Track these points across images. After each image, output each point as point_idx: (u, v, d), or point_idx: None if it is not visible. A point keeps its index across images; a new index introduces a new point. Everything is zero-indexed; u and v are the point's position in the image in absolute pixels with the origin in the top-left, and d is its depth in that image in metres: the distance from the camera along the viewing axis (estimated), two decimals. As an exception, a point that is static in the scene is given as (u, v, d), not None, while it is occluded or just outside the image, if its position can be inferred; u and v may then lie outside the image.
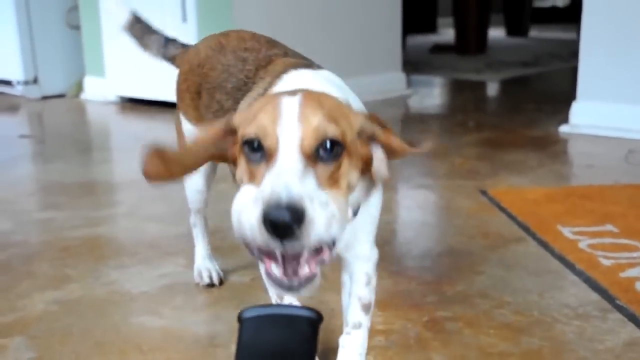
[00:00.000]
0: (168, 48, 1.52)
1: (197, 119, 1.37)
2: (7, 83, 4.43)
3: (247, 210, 0.75)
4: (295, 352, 0.71)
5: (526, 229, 1.86)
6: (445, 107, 4.15)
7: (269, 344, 0.72)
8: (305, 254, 0.78)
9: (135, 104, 4.07)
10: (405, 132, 3.45)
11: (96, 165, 2.84)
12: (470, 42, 6.38)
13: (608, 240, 1.76)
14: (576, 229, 1.83)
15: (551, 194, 2.15)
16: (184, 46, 1.50)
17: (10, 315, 1.43)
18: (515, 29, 7.96)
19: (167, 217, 2.02)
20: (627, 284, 1.49)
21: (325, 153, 0.80)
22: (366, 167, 0.89)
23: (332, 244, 0.78)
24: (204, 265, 1.58)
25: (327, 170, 0.80)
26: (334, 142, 0.81)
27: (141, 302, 1.49)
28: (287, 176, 0.75)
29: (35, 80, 4.35)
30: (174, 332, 1.35)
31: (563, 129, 3.10)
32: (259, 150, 0.81)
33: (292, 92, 0.85)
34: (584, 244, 1.73)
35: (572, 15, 2.95)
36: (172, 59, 1.50)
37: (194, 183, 1.48)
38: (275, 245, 0.74)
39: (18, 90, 4.36)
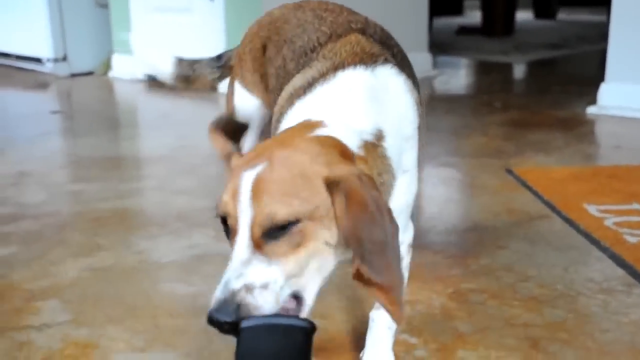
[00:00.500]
0: (220, 58, 1.50)
1: (255, 84, 1.33)
2: (37, 60, 4.49)
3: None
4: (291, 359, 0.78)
5: (551, 206, 1.86)
6: (472, 88, 4.13)
7: (266, 352, 0.78)
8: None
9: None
10: (431, 112, 3.45)
11: (124, 140, 2.88)
12: (498, 24, 6.33)
13: (634, 218, 1.76)
14: (602, 207, 1.83)
15: (577, 173, 2.15)
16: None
17: (45, 280, 1.47)
18: (544, 11, 7.88)
19: (195, 191, 2.05)
20: (653, 261, 1.49)
21: (277, 232, 0.81)
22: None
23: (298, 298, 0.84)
24: None
25: (281, 246, 0.81)
26: (285, 223, 0.81)
27: (170, 271, 1.53)
28: (235, 266, 0.81)
29: (64, 58, 4.40)
30: (203, 298, 1.39)
31: (591, 110, 3.07)
32: (227, 226, 0.86)
33: (257, 159, 0.84)
34: (609, 221, 1.73)
35: (601, -2, 2.94)
36: (227, 61, 1.48)
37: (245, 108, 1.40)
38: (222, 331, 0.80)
39: (48, 67, 4.42)
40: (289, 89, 1.07)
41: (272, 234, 0.81)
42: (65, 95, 3.95)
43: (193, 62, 1.51)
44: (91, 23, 4.50)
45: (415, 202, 1.95)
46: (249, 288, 0.80)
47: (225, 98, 1.43)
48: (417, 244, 1.63)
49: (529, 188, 2.02)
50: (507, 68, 4.71)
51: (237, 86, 1.37)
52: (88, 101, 3.77)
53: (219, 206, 0.86)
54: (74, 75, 4.36)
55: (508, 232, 1.71)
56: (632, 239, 1.61)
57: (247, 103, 1.35)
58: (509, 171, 2.19)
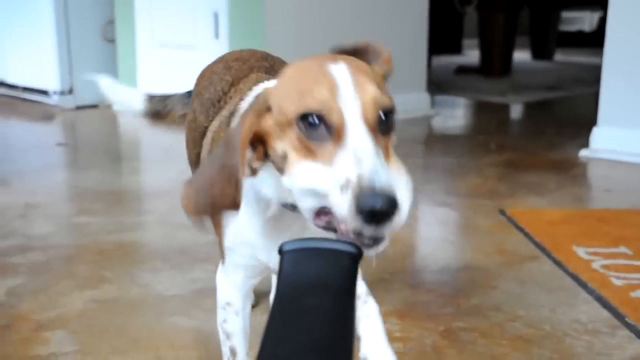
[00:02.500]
0: (192, 93, 1.47)
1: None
2: (44, 93, 4.58)
3: (333, 194, 0.74)
4: (335, 286, 0.71)
5: (542, 248, 1.92)
6: (468, 128, 4.22)
7: (309, 276, 0.72)
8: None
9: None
10: (428, 151, 3.53)
11: (128, 174, 2.95)
12: (495, 65, 6.45)
13: (621, 261, 1.82)
14: (591, 250, 1.89)
15: (568, 216, 2.22)
16: None
17: (52, 312, 1.53)
18: (541, 52, 8.02)
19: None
20: (638, 303, 1.55)
21: (383, 125, 0.79)
22: None
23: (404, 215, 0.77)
24: None
25: (385, 143, 0.79)
26: (388, 112, 0.80)
27: (173, 304, 1.59)
28: (370, 159, 0.73)
29: (70, 91, 4.49)
30: (204, 332, 1.44)
31: (583, 153, 3.16)
32: (319, 126, 0.77)
33: (331, 58, 0.82)
34: (597, 264, 1.79)
35: (598, 40, 3.03)
36: None
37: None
38: (368, 231, 0.73)
39: (54, 99, 4.51)
40: (209, 134, 1.11)
41: (379, 127, 0.78)
42: (70, 128, 4.03)
43: (165, 98, 1.53)
44: (98, 57, 4.60)
45: (411, 241, 2.02)
46: (395, 182, 0.74)
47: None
48: (412, 283, 1.70)
49: (521, 229, 2.08)
50: (504, 109, 4.81)
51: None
52: (93, 134, 3.85)
53: (311, 104, 0.78)
54: (79, 108, 4.45)
55: (499, 273, 1.77)
56: (618, 282, 1.67)
57: None
58: (502, 212, 2.26)
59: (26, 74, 4.72)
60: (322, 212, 0.77)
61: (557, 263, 1.82)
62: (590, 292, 1.63)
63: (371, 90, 0.79)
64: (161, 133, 3.80)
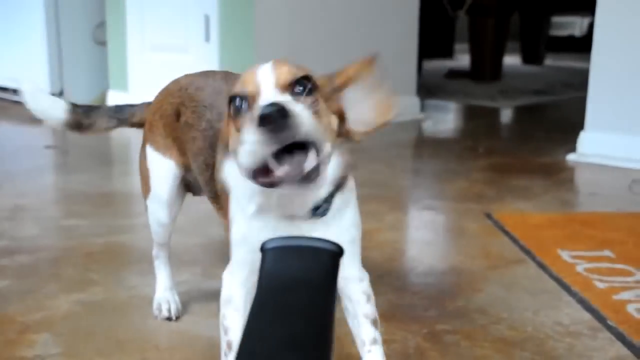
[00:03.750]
0: (122, 110, 1.50)
1: (167, 146, 1.37)
2: (34, 95, 4.57)
3: (245, 144, 0.87)
4: (316, 284, 0.73)
5: (527, 251, 1.94)
6: (457, 132, 4.25)
7: (291, 274, 0.74)
8: (304, 155, 0.87)
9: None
10: (417, 155, 3.55)
11: (117, 177, 2.96)
12: (485, 69, 6.48)
13: (605, 264, 1.84)
14: (575, 253, 1.91)
15: (553, 220, 2.24)
16: (145, 103, 1.49)
17: (38, 314, 1.53)
18: (531, 57, 8.07)
19: (185, 228, 2.12)
20: (619, 306, 1.57)
21: (299, 90, 0.93)
22: (340, 121, 0.99)
23: (319, 147, 0.88)
24: (164, 297, 1.54)
25: (305, 103, 0.91)
26: (304, 79, 0.93)
27: (160, 306, 1.59)
28: (268, 99, 0.88)
29: (61, 93, 4.49)
30: (190, 334, 1.45)
31: (570, 157, 3.18)
32: (241, 102, 0.93)
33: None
34: (581, 267, 1.81)
35: (588, 45, 3.06)
36: (130, 117, 1.49)
37: (157, 217, 1.45)
38: (270, 141, 0.84)
39: (44, 102, 4.50)
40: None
41: (294, 91, 0.92)
42: (60, 130, 4.02)
43: (89, 109, 1.50)
44: (88, 59, 4.61)
45: (397, 245, 2.04)
46: (292, 103, 0.87)
47: (138, 163, 1.46)
48: (397, 285, 1.72)
49: (507, 233, 2.10)
50: (493, 113, 4.84)
51: (149, 150, 1.41)
52: (82, 137, 3.84)
53: (233, 88, 0.95)
54: (69, 110, 4.44)
55: (484, 276, 1.79)
56: (601, 285, 1.69)
57: (160, 165, 1.39)
58: (489, 216, 2.27)
59: (17, 76, 4.71)
60: (259, 170, 0.88)
61: (542, 266, 1.83)
62: (573, 295, 1.65)
63: (285, 67, 0.94)
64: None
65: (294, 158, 0.86)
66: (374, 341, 1.10)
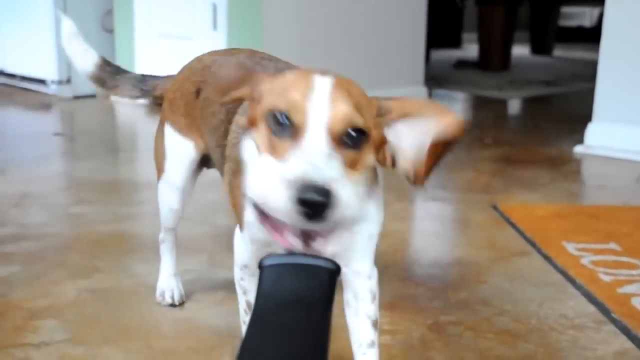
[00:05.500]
0: (146, 81, 1.48)
1: (188, 126, 1.34)
2: (42, 82, 4.58)
3: (275, 188, 0.78)
4: (313, 301, 0.74)
5: (532, 243, 1.94)
6: (465, 123, 4.23)
7: (288, 292, 0.75)
8: (324, 235, 0.82)
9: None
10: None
11: (124, 164, 2.97)
12: (494, 59, 6.46)
13: (610, 257, 1.84)
14: (580, 246, 1.91)
15: (559, 211, 2.23)
16: (169, 76, 1.46)
17: (45, 300, 1.54)
18: (540, 47, 8.02)
19: (192, 217, 2.13)
20: (624, 299, 1.57)
21: (350, 140, 0.84)
22: (378, 150, 0.92)
23: (350, 222, 0.83)
24: (168, 284, 1.54)
25: (349, 156, 0.84)
26: (359, 131, 0.85)
27: (165, 294, 1.60)
28: (317, 158, 0.79)
29: (68, 80, 4.50)
30: (195, 322, 1.46)
31: (578, 149, 3.17)
32: (284, 124, 0.84)
33: (323, 72, 0.88)
34: (586, 260, 1.81)
35: (598, 36, 3.05)
36: (153, 89, 1.47)
37: (168, 201, 1.44)
38: (303, 225, 0.77)
39: (52, 89, 4.52)
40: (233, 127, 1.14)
41: (344, 141, 0.84)
42: (67, 117, 4.04)
43: (116, 72, 1.50)
44: (96, 47, 4.55)
45: (403, 235, 2.04)
46: (337, 181, 0.79)
47: (154, 140, 1.44)
48: (402, 276, 1.72)
49: (512, 225, 2.10)
50: (501, 104, 4.82)
51: (169, 129, 1.39)
52: (90, 124, 3.86)
53: (280, 102, 0.84)
54: (76, 98, 4.45)
55: (489, 267, 1.79)
56: (606, 278, 1.69)
57: (179, 146, 1.37)
58: (495, 207, 2.27)
59: (24, 63, 4.73)
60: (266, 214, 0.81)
61: (547, 258, 1.83)
62: (578, 287, 1.65)
63: (344, 105, 0.84)
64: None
65: (310, 235, 0.81)
66: (372, 344, 1.08)
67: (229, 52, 1.33)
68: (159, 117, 1.44)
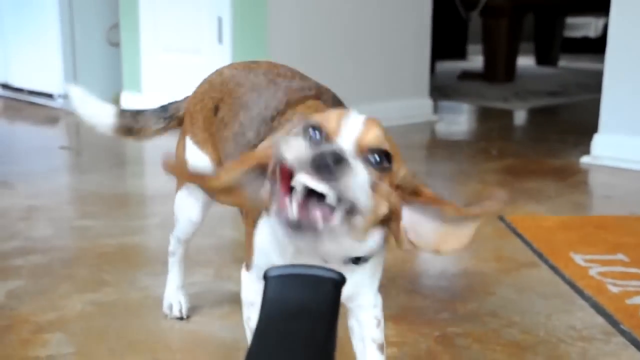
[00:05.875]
0: (167, 109, 1.48)
1: (205, 140, 1.34)
2: (49, 96, 4.61)
3: (300, 143, 0.83)
4: (318, 312, 0.74)
5: (539, 254, 1.93)
6: (470, 134, 4.23)
7: (293, 302, 0.75)
8: (326, 208, 0.82)
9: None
10: (430, 157, 3.54)
11: (130, 178, 2.97)
12: (499, 70, 6.46)
13: (618, 268, 1.83)
14: (588, 257, 1.90)
15: (567, 223, 2.22)
16: (188, 96, 1.45)
17: (52, 314, 1.54)
18: (545, 58, 8.02)
19: (199, 229, 2.13)
20: (633, 310, 1.56)
21: (374, 160, 0.86)
22: (389, 218, 0.91)
23: (356, 208, 0.83)
24: (175, 297, 1.54)
25: (370, 174, 0.85)
26: (386, 155, 0.87)
27: (172, 307, 1.60)
28: (343, 147, 0.84)
29: (75, 94, 4.52)
30: (201, 335, 1.46)
31: (584, 159, 3.16)
32: (318, 134, 0.87)
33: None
34: (594, 271, 1.80)
35: (603, 46, 3.05)
36: (176, 111, 1.46)
37: (188, 212, 1.44)
38: (313, 174, 0.80)
39: (58, 102, 4.54)
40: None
41: (368, 157, 0.86)
42: (74, 131, 4.06)
43: (137, 113, 1.49)
44: (102, 60, 4.63)
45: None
46: (355, 166, 0.82)
47: (175, 152, 1.43)
48: (409, 288, 1.71)
49: (520, 236, 2.09)
50: (507, 115, 4.81)
51: (189, 142, 1.38)
52: (96, 137, 3.84)
53: (316, 120, 0.89)
54: (83, 111, 4.46)
55: (496, 279, 1.78)
56: (614, 289, 1.68)
57: (198, 158, 1.36)
58: (501, 218, 2.27)
59: (31, 77, 4.76)
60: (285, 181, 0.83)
61: (554, 270, 1.83)
62: (587, 299, 1.64)
63: (375, 128, 0.88)
64: (165, 137, 3.82)
65: (318, 205, 0.82)
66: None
67: (248, 66, 1.32)
68: (181, 130, 1.43)
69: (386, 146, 0.88)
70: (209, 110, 1.31)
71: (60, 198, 2.54)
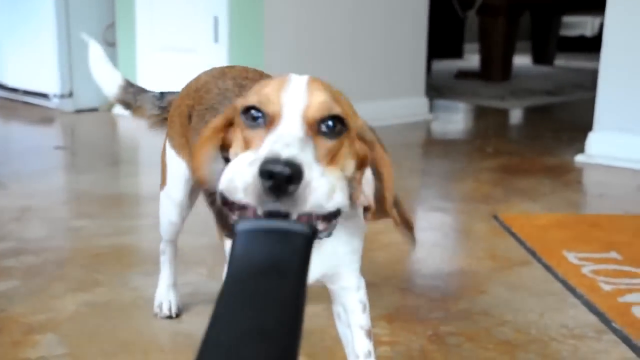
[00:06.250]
0: (164, 97, 1.50)
1: (182, 146, 1.35)
2: (44, 96, 4.60)
3: (242, 170, 0.75)
4: (288, 267, 0.69)
5: (533, 253, 1.93)
6: (466, 133, 4.23)
7: (262, 258, 0.70)
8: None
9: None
10: (425, 155, 3.54)
11: (125, 178, 2.97)
12: (495, 69, 6.46)
13: (611, 266, 1.83)
14: (581, 255, 1.90)
15: (560, 221, 2.23)
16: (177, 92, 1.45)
17: (44, 314, 1.54)
18: (542, 57, 8.02)
19: (191, 229, 2.12)
20: (624, 308, 1.56)
21: (327, 129, 0.82)
22: (361, 166, 0.89)
23: (332, 216, 0.78)
24: (166, 296, 1.55)
25: (327, 146, 0.81)
26: (337, 120, 0.82)
27: (164, 307, 1.60)
28: (288, 138, 0.76)
29: (70, 94, 4.51)
30: (194, 335, 1.46)
31: (579, 158, 3.16)
32: (258, 118, 0.82)
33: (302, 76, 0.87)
34: (587, 269, 1.80)
35: (599, 45, 3.05)
36: (168, 105, 1.48)
37: (167, 214, 1.45)
38: (270, 202, 0.73)
39: (54, 103, 4.53)
40: None
41: (321, 129, 0.81)
42: (69, 131, 4.05)
43: (138, 92, 1.53)
44: (98, 61, 4.61)
45: (403, 246, 2.03)
46: (309, 165, 0.74)
47: (161, 151, 1.45)
48: (402, 287, 1.71)
49: (513, 234, 2.09)
50: (503, 113, 4.82)
51: (168, 146, 1.40)
52: (91, 137, 3.87)
53: (254, 98, 0.83)
54: (78, 111, 4.47)
55: (489, 277, 1.78)
56: (606, 287, 1.68)
57: (175, 163, 1.38)
58: (495, 217, 2.27)
59: (26, 77, 4.74)
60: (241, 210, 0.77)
61: (547, 268, 1.83)
62: (579, 297, 1.64)
63: (320, 94, 0.82)
64: (160, 137, 3.81)
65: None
66: (369, 354, 1.07)
67: (222, 71, 1.32)
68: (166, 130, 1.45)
69: (335, 110, 0.82)
70: (184, 117, 1.33)
71: (54, 198, 2.53)
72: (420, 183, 2.90)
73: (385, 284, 1.72)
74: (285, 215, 0.75)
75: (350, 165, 0.86)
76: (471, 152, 3.48)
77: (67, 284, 1.72)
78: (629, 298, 1.62)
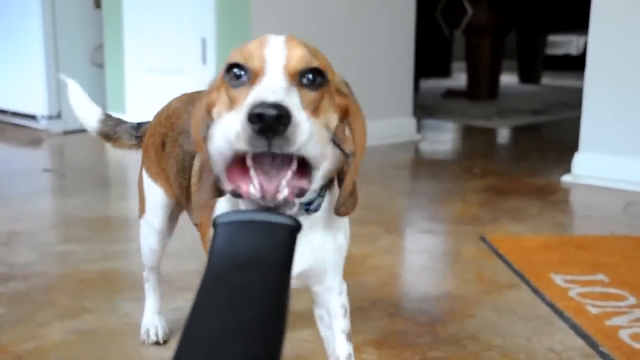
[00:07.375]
0: (140, 127, 1.53)
1: (158, 174, 1.38)
2: (32, 117, 4.60)
3: (231, 122, 0.75)
4: (270, 262, 0.67)
5: (520, 275, 1.94)
6: (454, 153, 4.26)
7: (244, 251, 0.67)
8: (289, 174, 0.76)
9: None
10: (413, 176, 3.56)
11: (114, 200, 2.97)
12: (482, 88, 6.51)
13: (598, 289, 1.84)
14: (568, 277, 1.92)
15: (547, 243, 2.24)
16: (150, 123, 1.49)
17: (31, 343, 1.53)
18: (528, 76, 8.10)
19: (180, 253, 2.13)
20: (612, 332, 1.57)
21: (308, 81, 0.85)
22: (343, 118, 0.93)
23: (315, 162, 0.77)
24: (152, 322, 1.56)
25: (309, 97, 0.84)
26: (317, 72, 0.86)
27: (153, 334, 1.59)
28: (273, 87, 0.78)
29: (58, 115, 4.51)
30: (182, 363, 1.45)
31: (565, 178, 3.19)
32: (242, 76, 0.84)
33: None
34: (574, 292, 1.81)
35: (585, 64, 3.09)
36: (143, 133, 1.50)
37: (148, 241, 1.47)
38: (261, 144, 0.73)
39: (42, 124, 4.53)
40: (196, 164, 1.16)
41: (302, 81, 0.84)
42: (57, 153, 4.05)
43: (116, 124, 1.56)
44: (86, 82, 4.61)
45: (391, 269, 2.04)
46: (296, 107, 0.76)
47: (138, 180, 1.47)
48: (390, 312, 1.72)
49: (501, 257, 2.10)
50: (490, 133, 4.85)
51: (144, 174, 1.42)
52: (80, 159, 3.87)
53: (236, 56, 0.86)
54: (67, 133, 4.46)
55: (477, 301, 1.79)
56: (593, 310, 1.69)
57: (152, 192, 1.41)
58: (483, 239, 2.28)
59: (14, 99, 4.74)
60: (234, 168, 0.77)
61: (535, 291, 1.84)
62: (566, 320, 1.65)
63: (299, 48, 0.86)
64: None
65: (275, 169, 0.77)
66: (349, 357, 1.13)
67: (192, 96, 1.35)
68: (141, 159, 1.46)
69: (315, 63, 0.86)
70: (158, 146, 1.36)
71: (42, 222, 2.52)
72: (407, 204, 2.92)
73: (374, 308, 1.72)
74: (269, 209, 0.74)
75: (333, 117, 0.90)
76: (459, 172, 3.50)
77: (54, 310, 1.71)
78: (616, 321, 1.63)
